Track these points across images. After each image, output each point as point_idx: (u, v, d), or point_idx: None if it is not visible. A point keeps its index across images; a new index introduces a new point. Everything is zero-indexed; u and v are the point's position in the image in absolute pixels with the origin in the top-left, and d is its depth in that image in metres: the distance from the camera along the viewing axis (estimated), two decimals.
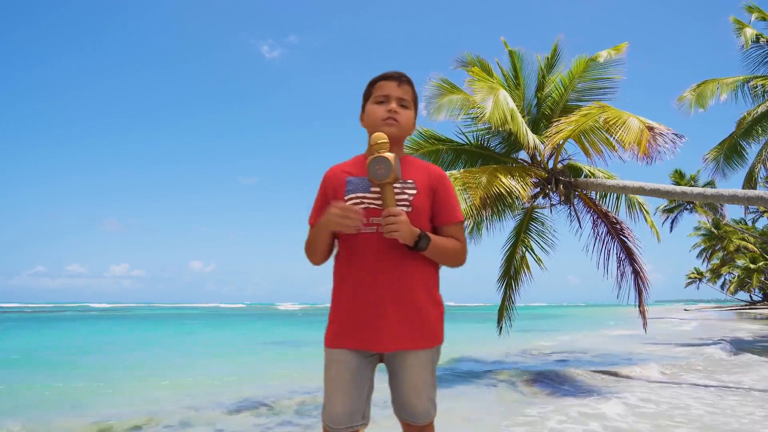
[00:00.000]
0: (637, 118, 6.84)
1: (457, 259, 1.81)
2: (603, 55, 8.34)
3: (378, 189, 1.70)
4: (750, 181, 12.06)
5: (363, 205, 1.73)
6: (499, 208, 8.27)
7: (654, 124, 6.85)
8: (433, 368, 1.80)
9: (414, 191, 1.75)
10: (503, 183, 7.35)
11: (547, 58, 9.04)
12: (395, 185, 1.73)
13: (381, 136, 1.68)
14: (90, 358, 12.13)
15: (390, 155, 1.63)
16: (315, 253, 1.81)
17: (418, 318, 1.73)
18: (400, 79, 1.82)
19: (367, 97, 1.88)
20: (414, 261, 1.73)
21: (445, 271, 1.93)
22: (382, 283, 1.70)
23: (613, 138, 7.00)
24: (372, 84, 1.86)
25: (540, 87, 9.09)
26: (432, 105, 8.50)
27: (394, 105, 1.79)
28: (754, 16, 11.32)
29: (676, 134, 6.74)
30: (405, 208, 1.71)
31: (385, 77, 1.83)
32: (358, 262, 1.73)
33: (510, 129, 7.69)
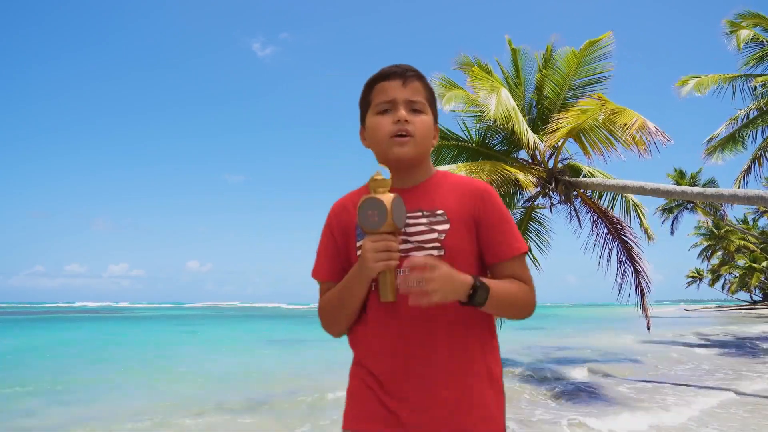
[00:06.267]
0: (633, 113, 7.09)
1: (527, 308, 1.29)
2: (589, 44, 8.33)
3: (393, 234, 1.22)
4: (746, 176, 12.18)
5: None
6: (505, 200, 8.29)
7: (646, 120, 7.12)
8: None
9: (446, 226, 1.25)
10: (508, 171, 7.47)
11: (544, 57, 9.06)
12: (413, 227, 1.26)
13: (378, 174, 1.19)
14: (91, 358, 12.13)
15: (386, 197, 1.16)
16: (342, 318, 1.31)
17: (468, 404, 1.23)
18: (405, 75, 1.29)
19: (365, 105, 1.35)
20: (459, 324, 1.25)
21: None
22: (414, 357, 1.23)
23: (615, 130, 7.23)
24: (369, 87, 1.33)
25: (538, 87, 9.12)
26: (440, 98, 8.62)
27: (402, 112, 1.27)
28: (745, 23, 11.15)
29: (663, 135, 7.05)
30: (435, 252, 1.23)
31: (385, 75, 1.30)
32: (382, 332, 1.26)
33: (512, 127, 7.75)
